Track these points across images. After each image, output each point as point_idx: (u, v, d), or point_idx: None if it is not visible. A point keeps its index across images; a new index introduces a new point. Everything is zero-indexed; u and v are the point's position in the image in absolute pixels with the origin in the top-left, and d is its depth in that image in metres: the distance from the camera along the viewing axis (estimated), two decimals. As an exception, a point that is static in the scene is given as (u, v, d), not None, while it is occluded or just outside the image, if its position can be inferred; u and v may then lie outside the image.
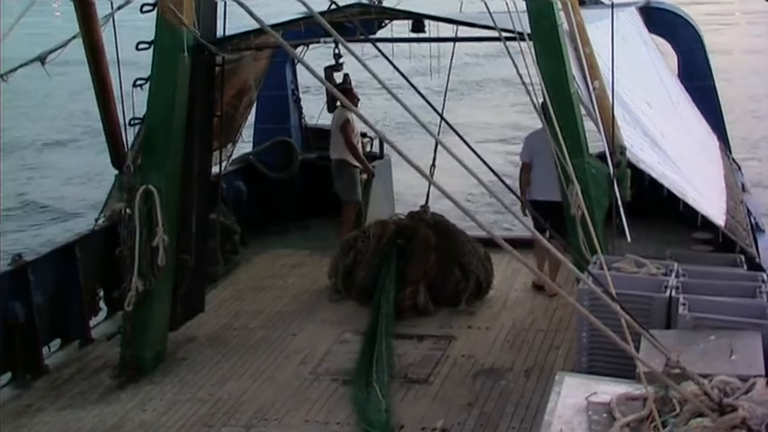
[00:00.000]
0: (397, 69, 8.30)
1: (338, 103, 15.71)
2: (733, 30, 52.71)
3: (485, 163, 8.43)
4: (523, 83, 10.38)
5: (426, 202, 14.56)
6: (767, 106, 34.37)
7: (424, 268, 13.38)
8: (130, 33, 11.19)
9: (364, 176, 15.95)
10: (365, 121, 7.69)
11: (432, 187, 13.62)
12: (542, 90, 11.20)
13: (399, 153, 6.34)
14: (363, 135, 16.16)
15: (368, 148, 16.54)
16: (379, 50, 8.56)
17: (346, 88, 15.22)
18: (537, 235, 7.10)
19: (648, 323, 8.44)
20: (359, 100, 15.58)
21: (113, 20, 11.27)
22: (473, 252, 13.30)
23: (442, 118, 8.87)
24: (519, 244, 8.53)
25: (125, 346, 11.41)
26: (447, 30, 13.39)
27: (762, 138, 29.78)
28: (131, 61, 11.42)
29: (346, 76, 15.91)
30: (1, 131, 25.75)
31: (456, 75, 16.40)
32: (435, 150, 12.71)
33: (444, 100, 15.51)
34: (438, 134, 8.29)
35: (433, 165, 14.16)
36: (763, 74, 40.33)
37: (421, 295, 13.21)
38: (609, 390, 7.54)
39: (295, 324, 12.69)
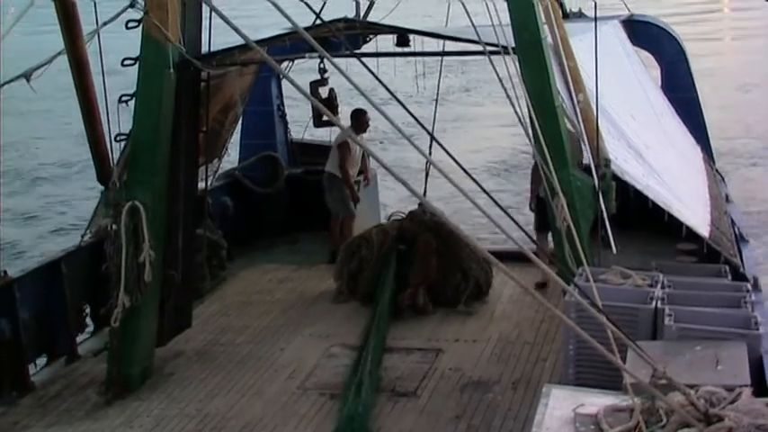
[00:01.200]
0: (383, 84, 8.34)
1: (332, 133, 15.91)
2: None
3: (472, 179, 8.47)
4: (508, 96, 10.43)
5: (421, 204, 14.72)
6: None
7: (426, 272, 13.64)
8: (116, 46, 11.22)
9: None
10: (361, 146, 7.84)
11: (427, 186, 13.83)
12: (527, 103, 11.25)
13: (396, 177, 6.37)
14: None
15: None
16: (365, 65, 8.60)
17: (359, 110, 15.29)
18: (524, 249, 7.09)
19: (635, 334, 8.44)
20: (368, 126, 15.60)
21: (98, 36, 11.27)
22: (472, 255, 13.39)
23: (431, 137, 8.93)
24: (506, 257, 8.53)
25: (112, 363, 11.40)
26: (432, 44, 13.45)
27: (745, 149, 29.85)
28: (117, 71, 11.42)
29: (332, 90, 15.93)
30: (1, 149, 25.68)
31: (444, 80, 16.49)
32: (427, 168, 12.77)
33: (434, 117, 15.65)
34: (432, 133, 8.37)
35: (426, 179, 14.35)
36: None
37: (420, 296, 13.48)
38: (596, 401, 7.55)
39: (282, 338, 12.69)
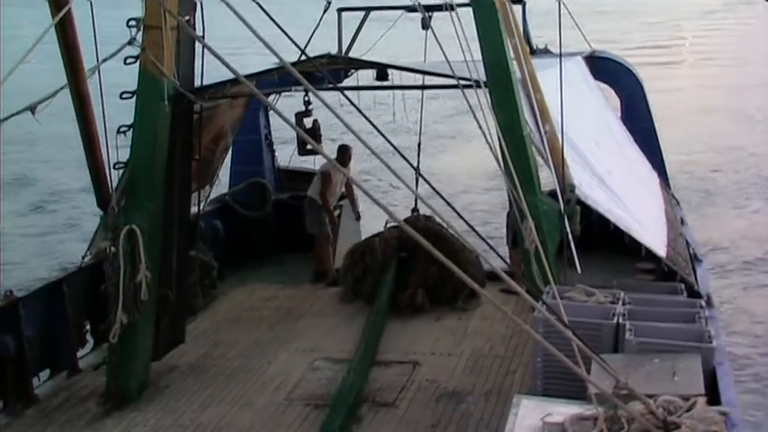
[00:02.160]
0: (364, 116, 8.39)
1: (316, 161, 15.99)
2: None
3: (451, 207, 8.52)
4: (480, 127, 10.46)
5: (416, 205, 15.17)
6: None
7: (425, 277, 14.02)
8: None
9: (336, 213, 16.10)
10: (345, 174, 7.91)
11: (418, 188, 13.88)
12: (497, 133, 11.28)
13: (378, 203, 6.39)
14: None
15: None
16: (347, 98, 8.64)
17: (344, 146, 15.38)
18: (497, 269, 7.13)
19: (598, 348, 8.46)
20: (350, 159, 15.67)
21: (99, 71, 11.26)
22: (468, 260, 13.48)
23: (416, 171, 8.97)
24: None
25: (110, 376, 11.38)
26: (409, 78, 13.50)
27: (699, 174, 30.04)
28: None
29: (315, 121, 15.99)
30: (1, 173, 25.58)
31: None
32: (417, 181, 12.79)
33: (419, 149, 15.74)
34: (418, 158, 8.40)
35: (415, 205, 14.51)
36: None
37: (419, 296, 13.98)
38: (562, 411, 7.58)
39: (270, 353, 12.66)
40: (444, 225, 14.31)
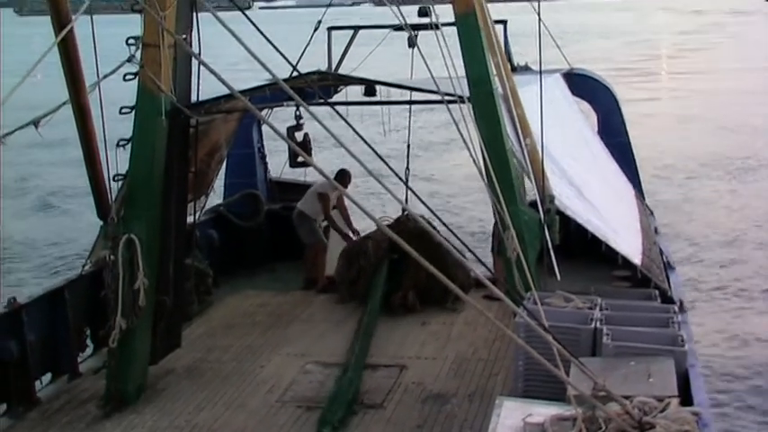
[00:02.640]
0: (353, 128, 8.42)
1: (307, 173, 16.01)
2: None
3: (437, 217, 8.58)
4: (464, 140, 10.50)
5: (404, 208, 14.94)
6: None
7: (416, 279, 14.05)
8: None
9: (323, 224, 16.07)
10: (347, 195, 7.99)
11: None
12: (481, 146, 11.32)
13: (371, 218, 6.43)
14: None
15: None
16: (337, 112, 8.68)
17: (344, 170, 15.34)
18: (480, 277, 7.17)
19: (577, 351, 8.50)
20: (350, 181, 15.68)
21: (99, 87, 11.28)
22: (455, 262, 13.51)
23: (406, 185, 8.99)
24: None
25: (110, 379, 11.33)
26: (396, 93, 13.53)
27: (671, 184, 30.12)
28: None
29: (306, 135, 16.00)
30: (1, 190, 25.44)
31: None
32: (406, 194, 12.83)
33: (408, 162, 15.77)
34: (407, 181, 8.45)
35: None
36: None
37: (410, 296, 14.17)
38: (543, 411, 7.60)
39: (263, 357, 12.65)
40: (434, 226, 14.47)
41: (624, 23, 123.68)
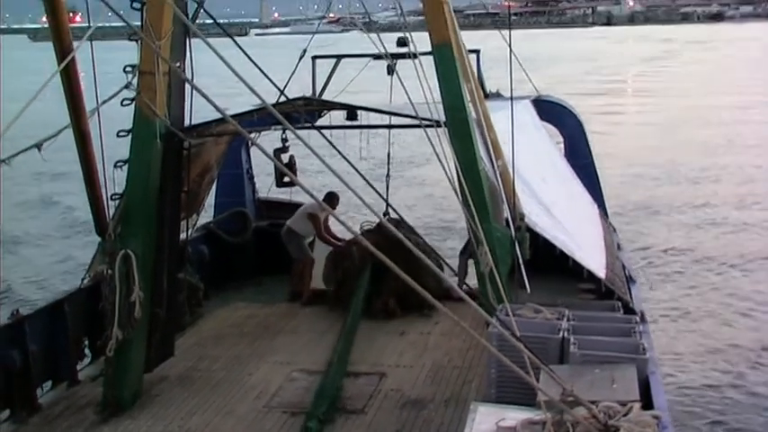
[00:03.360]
0: (336, 149, 8.47)
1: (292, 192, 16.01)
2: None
3: (416, 234, 8.58)
4: (440, 162, 10.56)
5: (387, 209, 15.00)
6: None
7: (397, 285, 13.85)
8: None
9: (309, 239, 16.09)
10: (330, 213, 8.04)
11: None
12: (456, 167, 11.38)
13: (352, 232, 6.46)
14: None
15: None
16: (323, 135, 8.72)
17: (332, 194, 15.19)
18: (457, 290, 7.22)
19: (546, 359, 8.52)
20: (338, 203, 15.48)
21: (98, 112, 11.29)
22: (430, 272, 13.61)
23: (387, 203, 8.99)
24: (440, 296, 8.65)
25: (107, 387, 11.30)
26: (376, 117, 13.58)
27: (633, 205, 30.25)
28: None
29: (292, 156, 15.99)
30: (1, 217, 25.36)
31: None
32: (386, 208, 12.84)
33: (387, 182, 15.80)
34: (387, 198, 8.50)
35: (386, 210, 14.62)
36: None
37: (391, 302, 14.35)
38: (515, 416, 7.63)
39: (251, 365, 12.63)
40: (415, 231, 14.57)
41: (599, 49, 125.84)
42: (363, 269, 14.78)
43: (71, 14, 9.01)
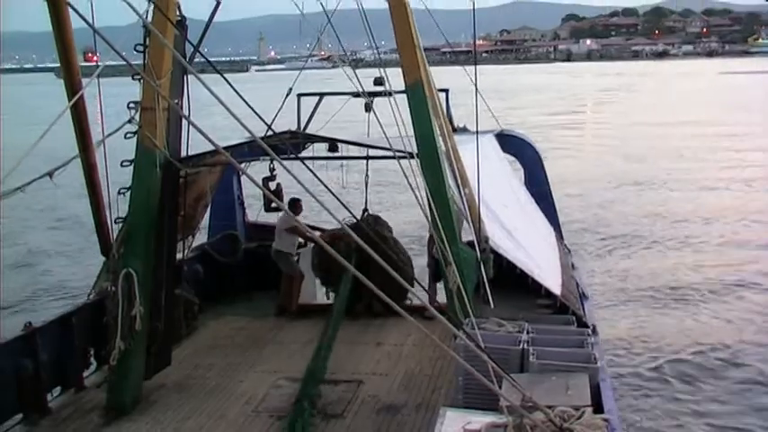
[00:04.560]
0: (318, 179, 8.47)
1: (281, 213, 15.92)
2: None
3: (390, 252, 8.56)
4: (412, 189, 10.61)
5: (365, 208, 15.88)
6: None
7: (377, 280, 13.79)
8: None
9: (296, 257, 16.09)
10: (302, 227, 8.06)
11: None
12: (426, 195, 11.42)
13: (323, 246, 6.46)
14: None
15: None
16: (306, 166, 8.73)
17: (295, 199, 15.13)
18: (427, 305, 7.23)
19: (508, 368, 8.55)
20: (301, 210, 15.54)
21: (104, 145, 11.30)
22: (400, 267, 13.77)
23: (360, 222, 8.97)
24: (413, 310, 8.66)
25: (110, 392, 11.29)
26: (355, 149, 13.63)
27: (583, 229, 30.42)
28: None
29: (279, 184, 16.00)
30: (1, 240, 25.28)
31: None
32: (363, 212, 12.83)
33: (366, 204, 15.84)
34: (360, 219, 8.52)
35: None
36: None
37: (375, 304, 14.56)
38: (479, 420, 7.64)
39: (241, 373, 12.59)
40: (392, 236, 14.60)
41: (560, 82, 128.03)
42: (349, 259, 14.65)
43: (90, 54, 9.06)
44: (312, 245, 15.96)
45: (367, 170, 15.71)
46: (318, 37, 13.26)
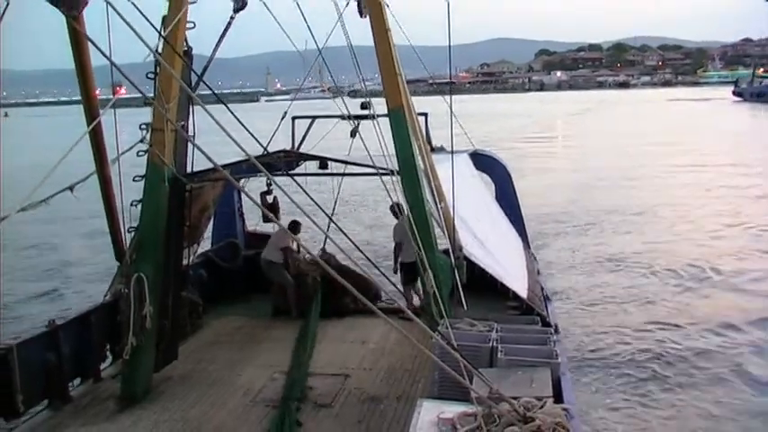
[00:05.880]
0: (308, 194, 8.58)
1: (274, 227, 15.94)
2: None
3: (367, 258, 8.64)
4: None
5: (324, 246, 15.91)
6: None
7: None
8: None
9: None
10: (300, 244, 8.12)
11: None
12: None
13: (317, 260, 6.52)
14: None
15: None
16: (297, 183, 8.82)
17: (296, 222, 14.89)
18: (403, 308, 7.29)
19: (478, 364, 8.63)
20: (299, 231, 15.52)
21: (119, 161, 11.35)
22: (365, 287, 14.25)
23: (347, 237, 9.06)
24: (392, 312, 8.73)
25: (124, 383, 11.36)
26: (342, 166, 13.69)
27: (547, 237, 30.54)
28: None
29: (275, 197, 16.04)
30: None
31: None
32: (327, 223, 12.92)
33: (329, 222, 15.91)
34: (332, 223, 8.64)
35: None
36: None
37: (350, 304, 14.86)
38: (453, 410, 7.69)
39: (240, 367, 12.60)
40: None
41: (534, 108, 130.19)
42: (316, 291, 15.28)
43: (118, 88, 9.19)
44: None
45: (339, 189, 15.74)
46: (319, 70, 13.37)
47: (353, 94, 13.81)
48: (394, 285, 13.24)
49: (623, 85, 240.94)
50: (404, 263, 14.65)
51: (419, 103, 14.50)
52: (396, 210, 13.59)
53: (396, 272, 14.90)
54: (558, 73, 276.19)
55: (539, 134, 79.22)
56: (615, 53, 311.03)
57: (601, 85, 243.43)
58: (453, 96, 14.47)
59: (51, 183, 7.95)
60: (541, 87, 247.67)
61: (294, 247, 15.89)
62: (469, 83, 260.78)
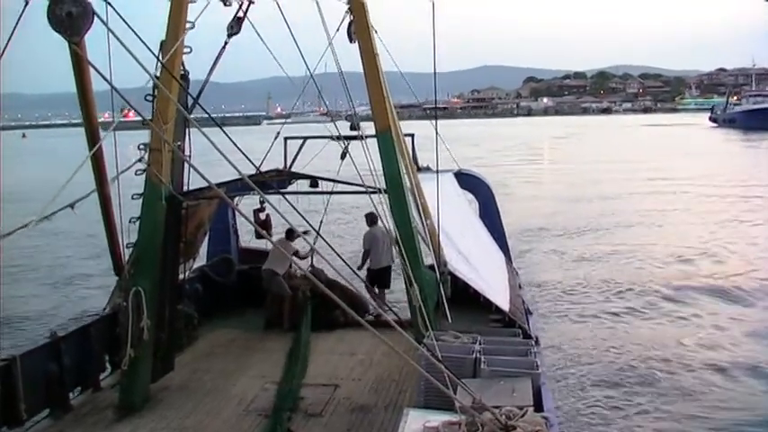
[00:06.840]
0: (301, 215, 8.59)
1: (267, 243, 15.96)
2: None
3: (353, 270, 8.60)
4: (381, 220, 10.71)
5: (312, 262, 15.82)
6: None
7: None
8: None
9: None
10: (293, 261, 8.12)
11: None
12: (393, 225, 11.51)
13: (304, 272, 6.52)
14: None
15: None
16: (288, 201, 8.83)
17: (291, 230, 15.02)
18: (390, 320, 7.31)
19: (462, 374, 8.64)
20: (297, 236, 15.41)
21: (118, 180, 11.34)
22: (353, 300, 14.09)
23: (336, 253, 9.05)
24: (380, 324, 8.72)
25: (122, 393, 11.31)
26: (331, 185, 13.72)
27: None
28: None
29: (268, 215, 16.04)
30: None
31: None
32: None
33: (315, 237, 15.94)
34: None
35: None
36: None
37: (340, 317, 14.72)
38: (438, 418, 7.70)
39: (233, 378, 12.56)
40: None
41: (522, 131, 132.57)
42: (306, 305, 15.19)
43: (125, 111, 9.23)
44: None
45: (326, 208, 15.84)
46: (318, 95, 13.48)
47: (350, 118, 13.85)
48: (386, 306, 13.22)
49: (606, 111, 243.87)
50: (371, 269, 14.84)
51: (411, 127, 14.64)
52: (370, 218, 13.73)
53: (359, 268, 15.14)
54: (545, 99, 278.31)
55: (526, 155, 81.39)
56: (599, 81, 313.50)
57: (585, 111, 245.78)
58: (446, 120, 14.58)
59: (61, 196, 7.97)
60: (529, 113, 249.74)
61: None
62: (461, 108, 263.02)
